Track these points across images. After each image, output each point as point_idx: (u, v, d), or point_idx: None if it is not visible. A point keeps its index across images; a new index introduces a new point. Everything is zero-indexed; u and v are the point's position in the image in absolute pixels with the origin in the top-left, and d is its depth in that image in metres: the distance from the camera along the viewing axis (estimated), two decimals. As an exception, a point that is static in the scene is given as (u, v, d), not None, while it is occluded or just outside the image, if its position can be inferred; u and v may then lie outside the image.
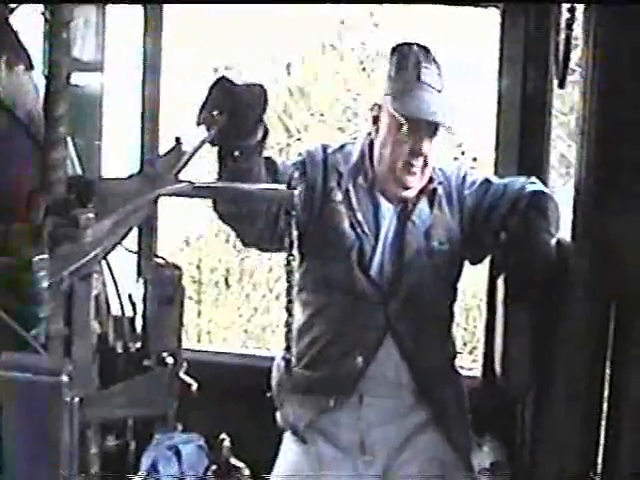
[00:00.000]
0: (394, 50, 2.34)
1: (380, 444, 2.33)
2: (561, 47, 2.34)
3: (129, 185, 1.71)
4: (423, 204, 2.37)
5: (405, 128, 2.27)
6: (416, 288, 2.33)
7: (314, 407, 2.33)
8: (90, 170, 2.20)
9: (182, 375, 1.61)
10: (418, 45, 2.33)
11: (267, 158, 2.30)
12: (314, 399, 2.33)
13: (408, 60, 2.29)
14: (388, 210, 2.36)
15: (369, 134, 2.42)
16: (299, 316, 2.38)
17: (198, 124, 2.02)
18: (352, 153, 2.42)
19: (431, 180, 2.38)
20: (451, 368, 2.46)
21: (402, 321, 2.32)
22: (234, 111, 2.02)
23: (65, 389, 1.20)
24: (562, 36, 2.33)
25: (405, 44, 2.33)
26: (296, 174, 2.29)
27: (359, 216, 2.33)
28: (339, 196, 2.35)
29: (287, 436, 2.42)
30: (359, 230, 2.33)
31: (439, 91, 2.29)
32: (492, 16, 2.79)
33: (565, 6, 2.32)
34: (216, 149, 2.12)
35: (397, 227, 2.35)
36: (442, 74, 2.32)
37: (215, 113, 2.01)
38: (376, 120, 2.38)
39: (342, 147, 2.44)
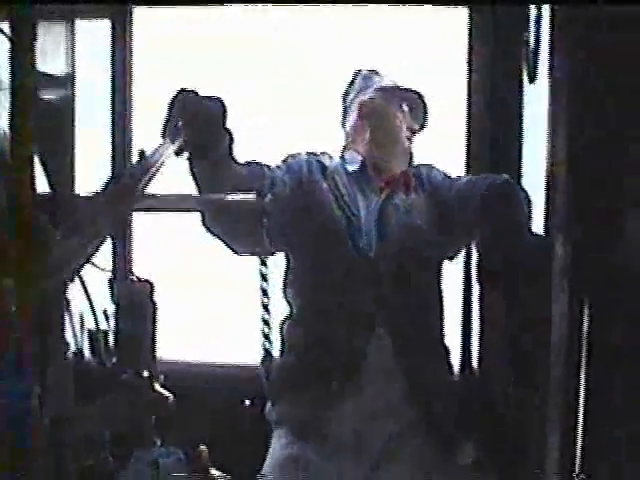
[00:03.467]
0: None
1: (372, 440, 2.32)
2: (531, 43, 2.36)
3: (97, 201, 1.72)
4: (402, 190, 2.45)
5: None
6: (403, 268, 2.36)
7: (309, 401, 2.32)
8: (61, 186, 2.19)
9: (158, 388, 1.61)
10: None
11: (253, 162, 2.36)
12: (307, 393, 2.32)
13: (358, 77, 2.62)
14: (372, 193, 2.43)
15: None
16: (287, 311, 2.42)
17: (162, 136, 2.05)
18: (334, 155, 2.56)
19: (408, 167, 2.52)
20: (443, 359, 2.46)
21: (392, 305, 2.33)
22: (196, 121, 2.08)
23: (36, 412, 1.20)
24: (531, 32, 2.35)
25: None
26: (278, 173, 2.36)
27: (346, 199, 2.39)
28: (324, 185, 2.42)
29: (277, 433, 2.40)
30: (348, 212, 2.37)
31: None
32: (460, 16, 2.80)
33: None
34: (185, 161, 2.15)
35: (381, 209, 2.40)
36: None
37: (178, 124, 2.06)
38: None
39: (325, 152, 2.55)
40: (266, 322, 1.88)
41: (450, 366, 2.47)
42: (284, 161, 2.48)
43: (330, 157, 2.54)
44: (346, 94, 2.63)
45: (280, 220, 2.24)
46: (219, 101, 2.22)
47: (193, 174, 2.23)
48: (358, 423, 2.31)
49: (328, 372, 2.31)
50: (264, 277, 1.85)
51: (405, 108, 2.54)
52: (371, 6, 2.73)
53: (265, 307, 1.83)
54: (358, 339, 2.31)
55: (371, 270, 2.33)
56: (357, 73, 2.62)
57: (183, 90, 2.21)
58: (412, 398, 2.33)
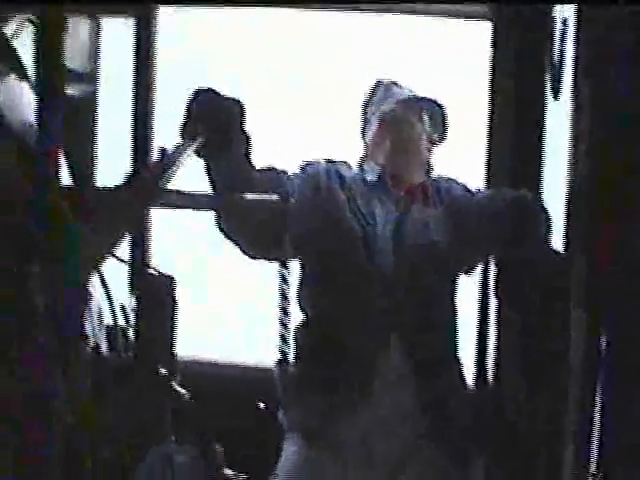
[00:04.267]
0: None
1: (383, 451, 2.31)
2: (555, 58, 2.36)
3: (120, 196, 1.72)
4: (421, 200, 2.44)
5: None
6: (418, 280, 2.34)
7: (321, 409, 2.31)
8: (83, 180, 2.19)
9: (176, 386, 1.60)
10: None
11: (271, 169, 2.37)
12: (321, 401, 2.32)
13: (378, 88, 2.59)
14: (390, 204, 2.42)
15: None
16: (302, 316, 2.39)
17: (181, 136, 2.06)
18: (353, 165, 2.54)
19: (427, 178, 2.51)
20: (455, 370, 2.44)
21: (406, 317, 2.32)
22: (214, 121, 2.08)
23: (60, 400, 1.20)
24: (556, 48, 2.35)
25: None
26: (296, 181, 2.38)
27: (363, 210, 2.39)
28: (342, 195, 2.41)
29: (288, 439, 2.39)
30: (363, 222, 2.37)
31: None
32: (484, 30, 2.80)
33: (559, 18, 2.33)
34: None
35: (399, 221, 2.39)
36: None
37: (198, 124, 2.06)
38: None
39: (344, 162, 2.54)
40: (284, 324, 1.87)
41: (463, 379, 2.45)
42: (302, 169, 2.47)
43: (349, 167, 2.53)
44: (366, 105, 2.62)
45: (301, 225, 2.24)
46: (237, 102, 2.22)
47: (209, 175, 2.23)
48: (369, 433, 2.30)
49: (340, 382, 2.30)
50: (284, 279, 1.84)
51: (425, 119, 2.53)
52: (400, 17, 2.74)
53: (283, 309, 1.82)
54: (371, 350, 2.30)
55: (386, 281, 2.32)
56: (377, 84, 2.61)
57: (202, 90, 2.21)
58: (424, 410, 2.32)
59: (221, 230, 2.27)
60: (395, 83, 2.60)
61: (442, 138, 2.58)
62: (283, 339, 1.88)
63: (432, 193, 2.46)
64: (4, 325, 1.38)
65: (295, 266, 2.39)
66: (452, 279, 2.45)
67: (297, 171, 2.46)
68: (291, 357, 2.14)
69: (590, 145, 2.02)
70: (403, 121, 2.50)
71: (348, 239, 2.35)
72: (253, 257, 2.36)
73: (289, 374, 2.24)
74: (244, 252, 2.35)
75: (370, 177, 2.46)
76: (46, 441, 1.29)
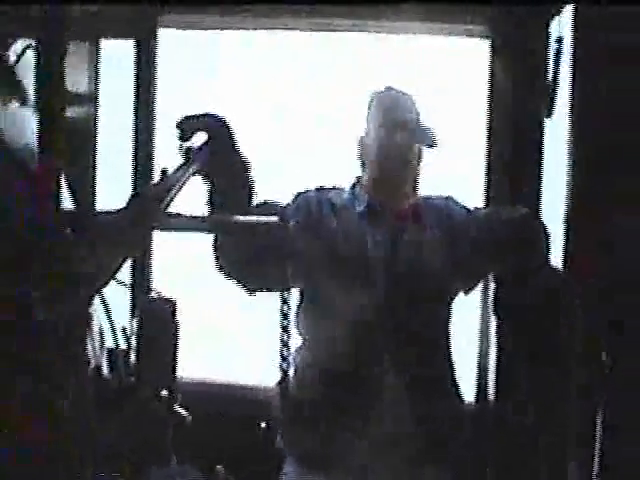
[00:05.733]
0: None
1: (380, 474, 2.31)
2: (549, 78, 2.38)
3: (121, 218, 1.72)
4: (413, 224, 2.40)
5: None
6: (412, 308, 2.32)
7: (318, 432, 2.32)
8: (83, 203, 2.20)
9: (177, 408, 1.61)
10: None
11: (266, 202, 2.32)
12: (315, 426, 2.32)
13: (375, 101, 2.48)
14: (382, 229, 2.39)
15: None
16: (300, 339, 2.40)
17: (183, 157, 2.02)
18: (345, 190, 2.49)
19: (417, 200, 2.46)
20: (451, 392, 2.44)
21: (400, 342, 2.31)
22: (216, 137, 2.06)
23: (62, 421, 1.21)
24: (550, 67, 2.37)
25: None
26: (289, 213, 2.35)
27: (355, 236, 2.36)
28: (334, 223, 2.39)
29: (288, 462, 2.40)
30: (355, 250, 2.34)
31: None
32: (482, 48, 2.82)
33: (554, 36, 2.35)
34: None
35: (390, 246, 2.36)
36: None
37: (201, 145, 2.04)
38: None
39: (335, 187, 2.50)
40: (285, 344, 1.87)
41: (461, 400, 2.45)
42: (294, 200, 2.44)
43: (340, 191, 2.49)
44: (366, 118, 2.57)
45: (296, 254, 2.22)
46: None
47: (210, 197, 2.18)
48: (366, 457, 2.30)
49: (336, 406, 2.30)
50: (284, 299, 1.84)
51: (411, 138, 2.42)
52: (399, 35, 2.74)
53: (284, 328, 1.82)
54: (367, 375, 2.30)
55: (379, 307, 2.31)
56: (374, 97, 2.51)
57: (208, 114, 2.18)
58: (420, 433, 2.32)
59: (221, 269, 2.25)
60: (391, 94, 2.49)
61: (432, 145, 2.46)
62: (283, 359, 1.88)
63: (425, 214, 2.43)
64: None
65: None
66: (447, 302, 2.43)
67: (289, 203, 2.43)
68: (291, 378, 2.14)
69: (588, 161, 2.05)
70: (385, 150, 2.40)
71: (341, 267, 2.33)
72: (253, 291, 2.35)
73: (288, 396, 2.24)
74: (244, 286, 2.34)
75: (360, 206, 2.43)
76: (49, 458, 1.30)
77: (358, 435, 2.29)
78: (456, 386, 2.44)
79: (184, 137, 2.10)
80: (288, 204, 2.43)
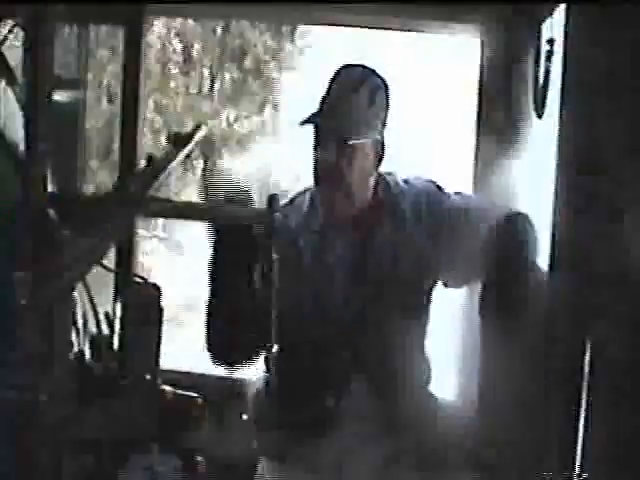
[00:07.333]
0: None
1: (356, 471, 2.31)
2: (540, 78, 2.38)
3: (107, 203, 1.71)
4: (379, 226, 2.27)
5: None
6: (382, 320, 2.26)
7: (290, 433, 2.31)
8: (68, 188, 2.19)
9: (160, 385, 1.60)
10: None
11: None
12: (290, 426, 2.31)
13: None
14: (344, 241, 2.28)
15: None
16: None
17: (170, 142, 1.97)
18: (303, 202, 2.33)
19: (379, 197, 2.29)
20: (425, 394, 2.43)
21: (370, 354, 2.27)
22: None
23: (44, 408, 1.20)
24: (541, 67, 2.37)
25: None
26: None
27: (321, 254, 2.26)
28: (301, 242, 2.28)
29: (264, 459, 2.40)
30: (322, 267, 2.26)
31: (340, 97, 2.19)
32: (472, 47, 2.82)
33: (544, 37, 2.36)
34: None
35: (357, 256, 2.27)
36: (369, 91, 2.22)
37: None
38: None
39: (292, 201, 2.35)
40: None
41: (435, 406, 2.41)
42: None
43: (298, 211, 2.32)
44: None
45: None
46: None
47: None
48: (339, 455, 2.30)
49: (305, 409, 2.27)
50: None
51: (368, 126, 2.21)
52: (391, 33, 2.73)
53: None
54: (334, 385, 2.27)
55: (345, 317, 2.26)
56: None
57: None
58: (391, 433, 2.31)
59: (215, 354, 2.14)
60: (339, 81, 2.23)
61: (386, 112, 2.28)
62: (266, 358, 1.85)
63: (397, 213, 2.28)
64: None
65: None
66: (424, 309, 2.35)
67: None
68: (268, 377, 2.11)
69: (576, 161, 2.06)
70: (328, 146, 2.20)
71: (306, 282, 2.25)
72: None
73: (264, 392, 2.21)
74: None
75: (316, 224, 2.29)
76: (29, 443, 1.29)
77: (329, 435, 2.28)
78: (429, 380, 2.40)
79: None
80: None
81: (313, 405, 2.27)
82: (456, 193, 2.36)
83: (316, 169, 2.23)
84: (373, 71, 2.27)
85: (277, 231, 1.97)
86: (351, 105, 2.19)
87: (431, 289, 2.36)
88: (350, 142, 2.18)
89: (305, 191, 2.35)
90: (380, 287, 2.26)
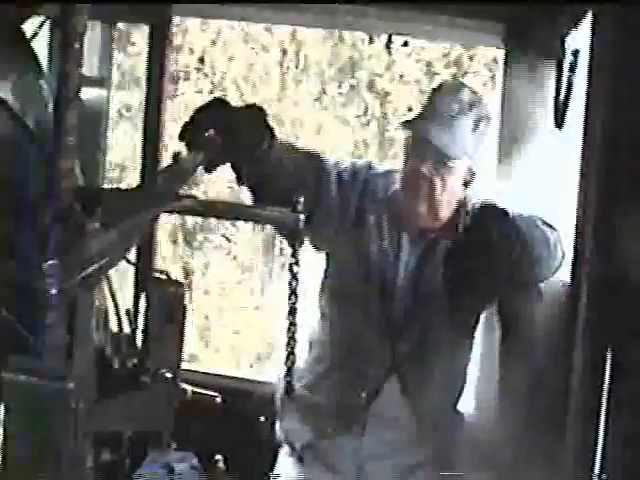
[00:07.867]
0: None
1: (377, 477, 2.30)
2: (562, 89, 2.38)
3: (133, 198, 1.71)
4: (445, 243, 2.20)
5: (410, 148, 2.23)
6: (429, 331, 2.27)
7: (314, 429, 2.31)
8: (93, 184, 2.19)
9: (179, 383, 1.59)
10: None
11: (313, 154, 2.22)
12: (315, 421, 2.31)
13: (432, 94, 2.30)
14: (412, 245, 2.30)
15: None
16: (315, 325, 2.37)
17: (188, 146, 1.89)
18: (394, 182, 2.32)
19: (458, 214, 2.29)
20: (453, 409, 2.42)
21: (409, 363, 2.29)
22: (230, 130, 1.92)
23: (71, 396, 1.19)
24: (564, 79, 2.37)
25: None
26: (333, 176, 2.23)
27: (386, 245, 2.28)
28: (371, 220, 2.28)
29: (284, 453, 2.39)
30: (384, 259, 2.27)
31: (452, 117, 2.21)
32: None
33: (569, 49, 2.36)
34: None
35: (418, 264, 2.29)
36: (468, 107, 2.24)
37: (210, 133, 1.93)
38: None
39: (387, 173, 2.35)
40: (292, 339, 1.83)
41: (461, 424, 2.43)
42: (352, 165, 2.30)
43: (389, 183, 2.32)
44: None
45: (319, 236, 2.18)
46: (257, 109, 2.03)
47: (239, 179, 2.04)
48: (364, 456, 2.30)
49: (336, 406, 2.30)
50: (295, 276, 1.74)
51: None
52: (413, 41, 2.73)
53: (291, 323, 1.78)
54: (371, 379, 2.29)
55: (391, 330, 2.28)
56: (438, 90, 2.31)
57: (216, 99, 2.00)
58: (418, 442, 2.32)
59: None
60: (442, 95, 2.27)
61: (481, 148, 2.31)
62: (290, 355, 1.83)
63: (461, 229, 2.22)
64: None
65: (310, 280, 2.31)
66: (470, 331, 2.36)
67: (346, 164, 2.29)
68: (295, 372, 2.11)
69: (599, 174, 2.05)
70: (425, 159, 2.21)
71: (367, 271, 2.27)
72: None
73: (291, 388, 2.21)
74: None
75: (400, 209, 2.28)
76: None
77: (356, 435, 2.29)
78: (460, 396, 2.41)
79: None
80: (344, 167, 2.28)
81: (347, 395, 2.28)
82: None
83: (407, 175, 2.24)
84: (481, 99, 2.29)
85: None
86: (460, 127, 2.21)
87: (482, 311, 2.37)
88: (449, 163, 2.19)
89: (393, 172, 2.33)
90: (433, 302, 2.24)
